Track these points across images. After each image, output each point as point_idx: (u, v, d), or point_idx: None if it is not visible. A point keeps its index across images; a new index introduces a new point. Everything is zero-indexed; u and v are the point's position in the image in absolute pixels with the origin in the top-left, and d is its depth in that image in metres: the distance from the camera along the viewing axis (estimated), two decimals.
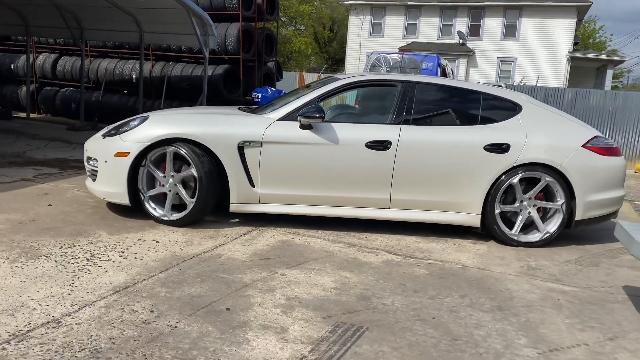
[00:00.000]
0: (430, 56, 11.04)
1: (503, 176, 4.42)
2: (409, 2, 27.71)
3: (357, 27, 29.45)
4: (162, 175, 4.36)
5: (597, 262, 4.31)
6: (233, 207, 4.40)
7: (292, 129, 4.35)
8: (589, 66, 27.13)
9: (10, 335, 2.41)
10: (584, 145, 4.53)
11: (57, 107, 12.38)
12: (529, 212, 4.51)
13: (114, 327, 2.57)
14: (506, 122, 4.58)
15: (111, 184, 4.38)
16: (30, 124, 10.65)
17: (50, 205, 4.70)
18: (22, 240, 3.72)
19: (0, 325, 2.49)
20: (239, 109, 5.45)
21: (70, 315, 2.65)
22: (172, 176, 4.33)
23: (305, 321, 2.81)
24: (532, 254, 4.38)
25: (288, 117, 4.42)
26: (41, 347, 2.33)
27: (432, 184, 4.43)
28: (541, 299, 3.41)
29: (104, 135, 4.57)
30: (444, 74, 11.18)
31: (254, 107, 5.33)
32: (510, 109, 4.67)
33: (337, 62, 39.29)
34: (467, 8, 27.09)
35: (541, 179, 4.44)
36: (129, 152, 4.27)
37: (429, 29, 27.93)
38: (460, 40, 26.89)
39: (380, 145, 4.36)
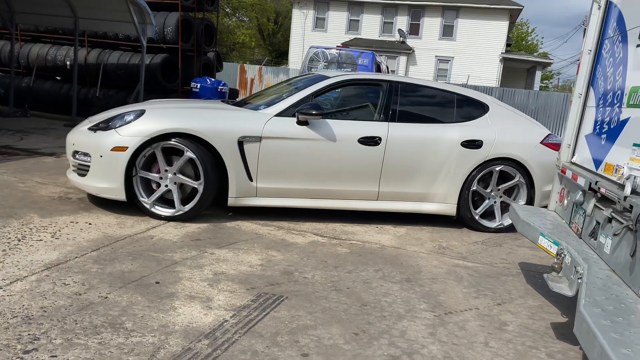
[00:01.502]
0: (366, 52, 11.46)
1: (475, 170, 4.92)
2: None
3: (301, 21, 29.68)
4: (157, 175, 4.31)
5: (501, 243, 4.82)
6: (231, 201, 4.49)
7: (290, 125, 4.52)
8: (520, 67, 28.71)
9: None
10: (541, 142, 5.14)
11: None
12: (495, 202, 5.06)
13: (45, 298, 2.72)
14: (477, 120, 5.10)
15: (106, 180, 4.25)
16: None
17: None
18: None
19: None
20: (222, 101, 5.57)
21: (1, 288, 2.77)
22: (166, 170, 4.29)
23: (230, 292, 3.06)
24: (445, 236, 4.83)
25: (284, 113, 4.56)
26: None
27: (416, 177, 4.83)
28: (446, 272, 3.82)
29: (93, 129, 4.41)
30: (378, 70, 11.64)
31: (239, 101, 5.40)
32: (480, 108, 5.19)
33: (281, 55, 39.38)
34: (407, 7, 27.92)
35: (510, 172, 5.01)
36: (127, 147, 4.18)
37: (371, 26, 28.58)
38: (401, 38, 27.71)
39: (372, 140, 4.67)
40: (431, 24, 27.83)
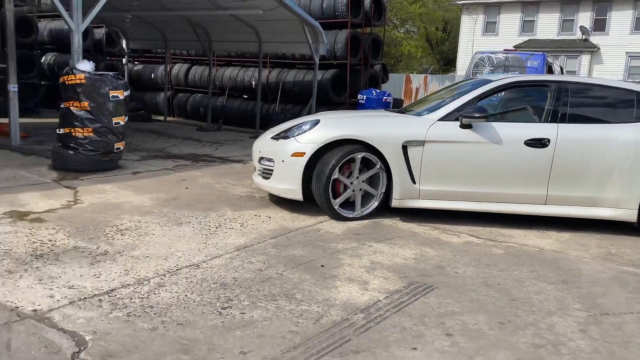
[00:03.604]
0: (536, 54, 10.93)
1: None
2: None
3: (470, 26, 29.02)
4: (349, 180, 4.71)
5: None
6: (395, 203, 4.75)
7: (453, 129, 4.64)
8: None
9: (165, 271, 3.30)
10: None
11: (188, 111, 14.08)
12: None
13: (236, 271, 3.37)
14: None
15: (287, 181, 4.76)
16: (167, 126, 12.30)
17: (187, 188, 5.75)
18: (168, 212, 4.72)
19: (158, 265, 3.40)
20: (386, 110, 6.00)
21: (205, 262, 3.50)
22: (357, 177, 4.71)
23: (384, 279, 3.40)
24: (617, 243, 4.54)
25: (447, 118, 4.71)
26: (186, 279, 3.19)
27: (588, 180, 4.62)
28: (610, 277, 3.66)
29: (275, 138, 4.97)
30: (550, 72, 11.00)
31: (401, 109, 5.70)
32: None
33: (448, 62, 38.79)
34: (592, 1, 25.51)
35: None
36: (305, 153, 4.65)
37: (547, 26, 26.72)
38: (583, 35, 25.40)
39: (539, 142, 4.59)
40: (620, 18, 24.99)
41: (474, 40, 28.53)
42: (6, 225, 4.03)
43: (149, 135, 10.16)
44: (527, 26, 27.32)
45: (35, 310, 2.65)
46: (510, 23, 27.77)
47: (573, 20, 26.10)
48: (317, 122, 4.87)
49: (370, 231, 4.49)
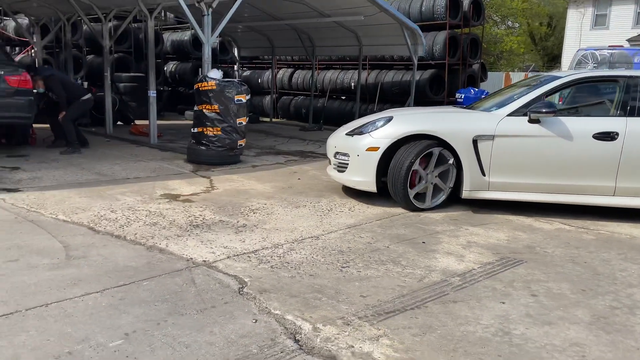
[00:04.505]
0: None
1: None
2: None
3: (577, 20, 27.65)
4: (425, 172, 4.99)
5: None
6: (465, 194, 5.03)
7: (522, 123, 4.84)
8: None
9: (293, 240, 4.06)
10: None
11: (291, 113, 15.12)
12: None
13: (349, 243, 4.04)
14: None
15: (362, 174, 5.14)
16: (273, 126, 13.38)
17: (299, 179, 6.55)
18: (287, 197, 5.52)
19: (287, 236, 4.16)
20: (456, 106, 6.29)
21: (323, 235, 4.21)
22: (432, 171, 5.01)
23: (479, 253, 3.90)
24: None
25: (516, 113, 4.91)
26: (310, 246, 3.92)
27: None
28: None
29: (350, 134, 5.34)
30: None
31: (473, 106, 5.84)
32: None
33: (553, 59, 37.08)
34: None
35: None
36: (379, 147, 5.00)
37: None
38: None
39: (608, 136, 4.75)
40: None
41: (581, 34, 27.16)
42: (165, 204, 5.03)
43: (259, 135, 11.22)
44: None
45: (204, 261, 3.51)
46: (622, 15, 26.12)
47: None
48: (390, 118, 5.17)
49: (467, 218, 4.96)
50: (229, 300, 2.91)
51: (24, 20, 12.68)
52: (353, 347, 2.47)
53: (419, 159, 4.93)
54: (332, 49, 13.47)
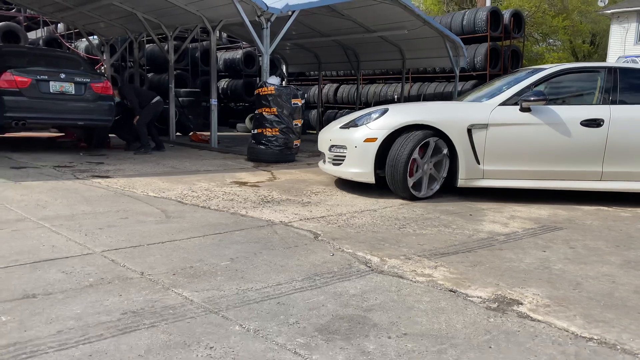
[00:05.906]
0: None
1: None
2: None
3: (621, 36, 27.48)
4: (423, 161, 5.11)
5: None
6: (461, 182, 5.17)
7: (513, 112, 5.05)
8: None
9: (354, 211, 4.60)
10: None
11: None
12: None
13: (404, 214, 4.56)
14: None
15: (360, 166, 5.19)
16: None
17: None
18: (341, 186, 6.08)
19: (348, 208, 4.71)
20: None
21: (380, 209, 4.74)
22: (429, 161, 5.16)
23: (521, 223, 4.34)
24: None
25: (507, 102, 5.11)
26: (370, 215, 4.45)
27: None
28: None
29: (345, 127, 5.42)
30: None
31: (461, 98, 6.00)
32: None
33: None
34: None
35: None
36: (377, 138, 5.07)
37: None
38: None
39: (594, 122, 5.07)
40: None
41: (625, 50, 26.96)
42: (236, 188, 5.68)
43: (308, 143, 11.87)
44: None
45: (281, 222, 4.10)
46: None
47: None
48: (385, 110, 5.28)
49: (509, 197, 5.38)
50: (308, 242, 3.49)
51: (94, 40, 13.93)
52: (415, 271, 2.99)
53: (417, 148, 5.04)
54: (376, 63, 14.12)
